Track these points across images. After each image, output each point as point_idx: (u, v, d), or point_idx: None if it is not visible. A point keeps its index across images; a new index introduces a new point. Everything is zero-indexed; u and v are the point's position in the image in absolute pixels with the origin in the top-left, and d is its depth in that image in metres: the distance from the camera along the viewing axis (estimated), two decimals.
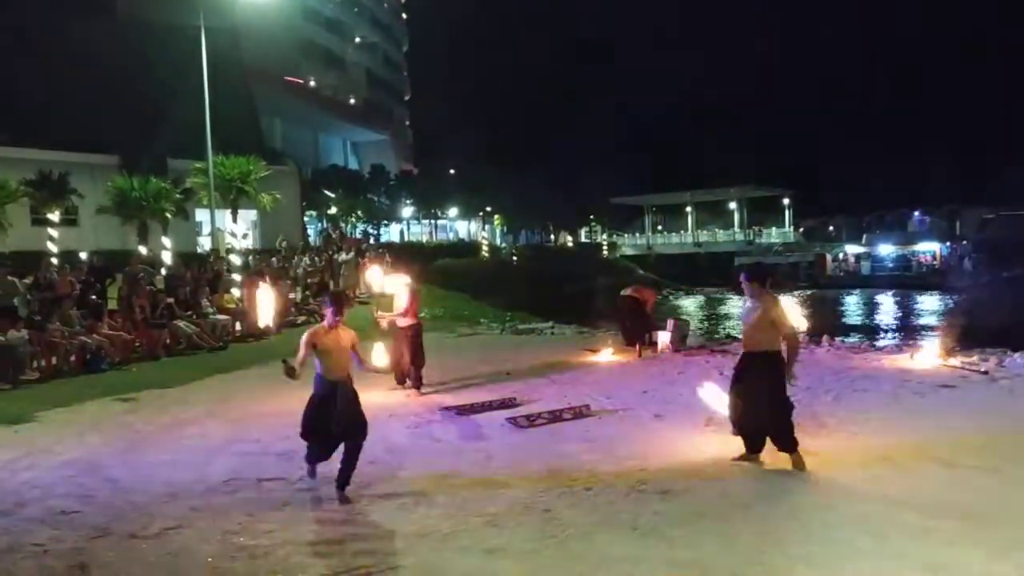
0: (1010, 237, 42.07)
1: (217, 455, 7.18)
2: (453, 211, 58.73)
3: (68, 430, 8.37)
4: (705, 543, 4.78)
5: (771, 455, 6.28)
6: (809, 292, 48.41)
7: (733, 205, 67.70)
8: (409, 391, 9.94)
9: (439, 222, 60.44)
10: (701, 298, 46.98)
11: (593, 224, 75.05)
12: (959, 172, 64.65)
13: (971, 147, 75.55)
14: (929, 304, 40.12)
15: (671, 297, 46.25)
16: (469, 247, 52.29)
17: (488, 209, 60.67)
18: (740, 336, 6.60)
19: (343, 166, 60.16)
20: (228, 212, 26.63)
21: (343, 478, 5.75)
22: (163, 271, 18.41)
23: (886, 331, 28.34)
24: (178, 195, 25.20)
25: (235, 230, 27.29)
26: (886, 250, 57.29)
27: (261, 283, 10.28)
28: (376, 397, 8.84)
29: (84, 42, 31.56)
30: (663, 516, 5.25)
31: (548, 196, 60.24)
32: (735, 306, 32.94)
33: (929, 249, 56.33)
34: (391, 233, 56.14)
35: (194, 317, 14.74)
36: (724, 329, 24.51)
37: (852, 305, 42.56)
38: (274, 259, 23.61)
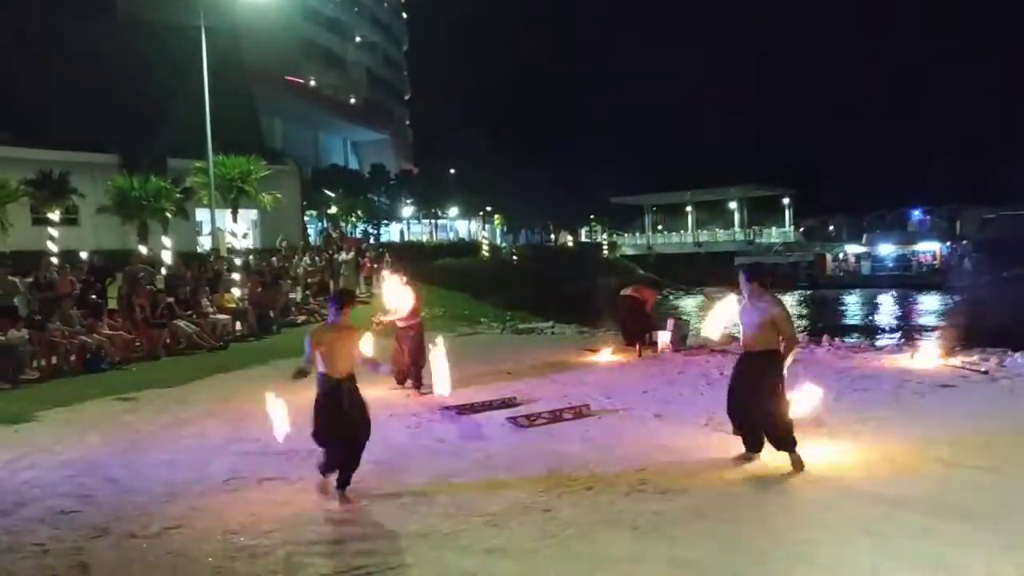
0: (1010, 237, 42.02)
1: (217, 455, 7.18)
2: (453, 211, 58.74)
3: (68, 430, 8.37)
4: (705, 543, 4.78)
5: (771, 455, 6.27)
6: (809, 292, 48.41)
7: (733, 205, 67.70)
8: (409, 391, 9.94)
9: (439, 222, 60.45)
10: (701, 298, 46.95)
11: (593, 224, 75.06)
12: (959, 172, 64.73)
13: (971, 146, 75.70)
14: (929, 304, 40.11)
15: (671, 297, 46.22)
16: (469, 247, 52.30)
17: (488, 209, 60.67)
18: (739, 336, 6.56)
19: (343, 166, 60.20)
20: (228, 212, 26.63)
21: (344, 478, 5.75)
22: (163, 271, 18.41)
23: (886, 331, 28.33)
24: (178, 195, 25.20)
25: (235, 230, 27.29)
26: (886, 250, 57.23)
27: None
28: (376, 397, 8.83)
29: (84, 42, 31.55)
30: (663, 516, 5.25)
31: (548, 195, 60.26)
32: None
33: (929, 249, 56.28)
34: (391, 233, 56.15)
35: (194, 317, 14.74)
36: (723, 329, 24.45)
37: (852, 305, 42.55)
38: (274, 258, 23.64)
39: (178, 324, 14.10)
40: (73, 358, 12.05)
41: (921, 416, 7.89)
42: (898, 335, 22.44)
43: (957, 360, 10.92)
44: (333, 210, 46.79)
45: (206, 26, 21.81)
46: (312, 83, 61.50)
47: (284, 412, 6.01)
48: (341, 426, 5.66)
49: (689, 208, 69.57)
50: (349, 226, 47.12)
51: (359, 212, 48.92)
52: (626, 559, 4.59)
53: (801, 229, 66.19)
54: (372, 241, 43.45)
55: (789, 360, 6.20)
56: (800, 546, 4.68)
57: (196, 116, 22.26)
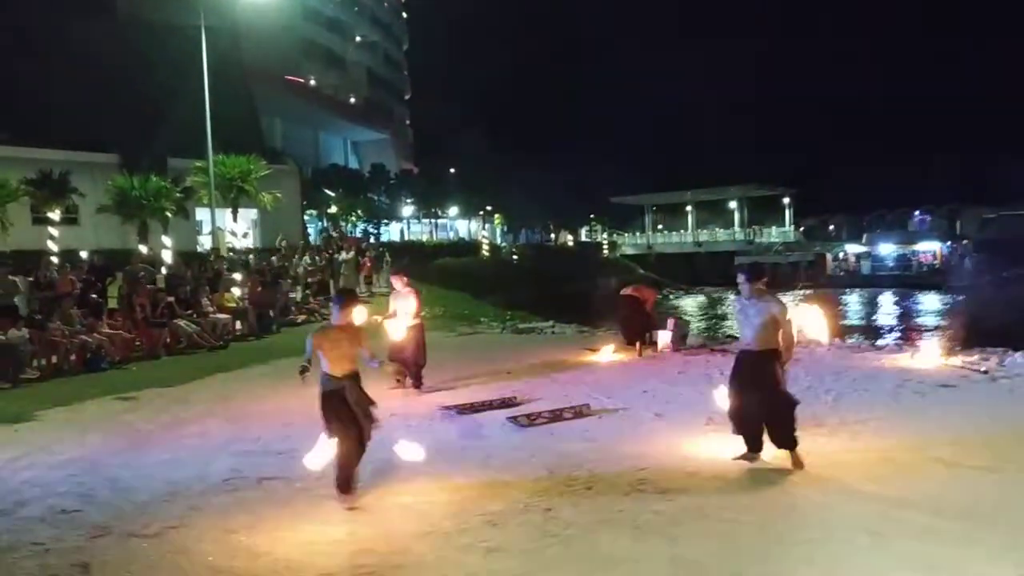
0: (1011, 237, 41.98)
1: (217, 454, 7.18)
2: (453, 210, 58.71)
3: (68, 429, 8.37)
4: (706, 542, 4.78)
5: (771, 455, 6.27)
6: (809, 292, 48.40)
7: (733, 204, 67.64)
8: (409, 390, 9.94)
9: (439, 221, 60.39)
10: (701, 297, 46.97)
11: (593, 223, 75.03)
12: (960, 171, 64.72)
13: (972, 146, 75.67)
14: (930, 304, 40.12)
15: (671, 296, 46.23)
16: (469, 246, 52.25)
17: (488, 208, 60.65)
18: (738, 335, 6.55)
19: (343, 165, 60.17)
20: (228, 211, 26.64)
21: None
22: (163, 270, 18.42)
23: (886, 331, 28.33)
24: (178, 194, 25.21)
25: (235, 229, 27.30)
26: (886, 250, 57.22)
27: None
28: (376, 396, 8.82)
29: (84, 42, 31.55)
30: (664, 515, 5.25)
31: (548, 195, 60.21)
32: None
33: (930, 249, 56.27)
34: (391, 232, 56.11)
35: (194, 316, 14.75)
36: (723, 330, 24.49)
37: (852, 305, 42.54)
38: (274, 258, 23.64)
39: (178, 323, 14.11)
40: (73, 357, 12.05)
41: (921, 416, 7.89)
42: (898, 335, 22.45)
43: (957, 360, 10.93)
44: (333, 210, 46.75)
45: (206, 26, 21.82)
46: (312, 83, 61.47)
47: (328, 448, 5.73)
48: (351, 423, 5.63)
49: (689, 208, 69.54)
50: (349, 226, 47.09)
51: (359, 212, 48.87)
52: (626, 559, 4.59)
53: (801, 229, 66.17)
54: (372, 241, 43.41)
55: (790, 358, 6.21)
56: (800, 546, 4.68)
57: (196, 116, 22.28)
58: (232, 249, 24.75)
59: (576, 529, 5.05)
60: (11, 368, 10.94)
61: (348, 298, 6.10)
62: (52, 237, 22.80)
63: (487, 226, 62.22)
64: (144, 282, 15.13)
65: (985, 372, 10.03)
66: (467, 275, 36.56)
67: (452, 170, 59.99)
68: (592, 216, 73.78)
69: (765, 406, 6.13)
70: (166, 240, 22.60)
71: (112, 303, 14.72)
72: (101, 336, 12.57)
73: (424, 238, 56.14)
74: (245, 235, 31.04)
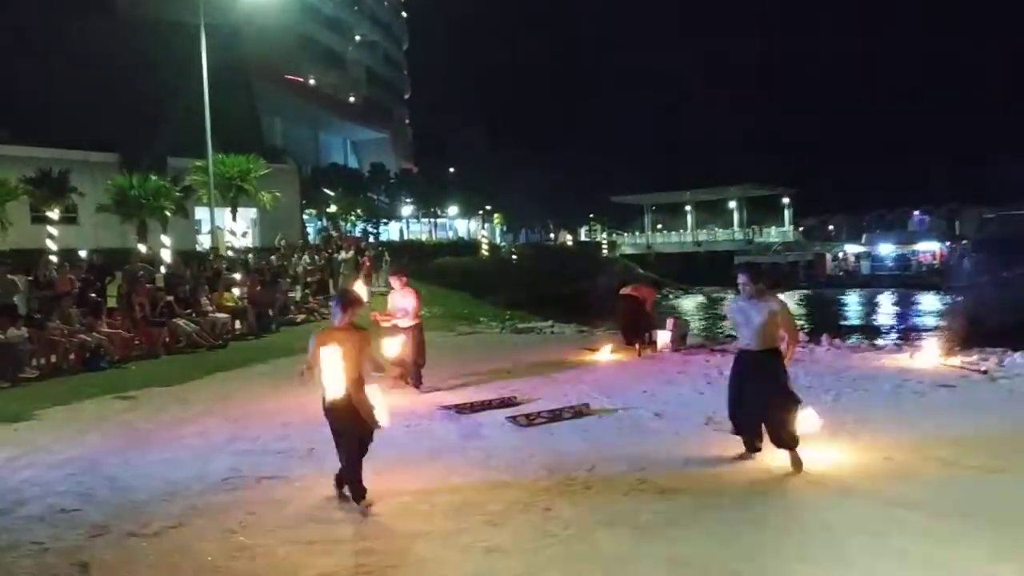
0: (1010, 237, 42.01)
1: (217, 453, 7.17)
2: (453, 210, 58.70)
3: (68, 428, 8.37)
4: (704, 542, 4.78)
5: (771, 454, 6.27)
6: (808, 291, 48.41)
7: (733, 204, 67.69)
8: (408, 390, 9.93)
9: (439, 220, 60.38)
10: (701, 297, 46.97)
11: (593, 223, 75.05)
12: (959, 172, 64.80)
13: (971, 146, 75.75)
14: (929, 304, 40.12)
15: (671, 296, 46.23)
16: (469, 246, 52.23)
17: (488, 208, 60.64)
18: (737, 335, 6.52)
19: (343, 164, 60.12)
20: (228, 210, 26.64)
21: (342, 475, 5.71)
22: (163, 269, 18.41)
23: (886, 331, 28.33)
24: (178, 193, 25.22)
25: (235, 228, 27.30)
26: (886, 250, 57.25)
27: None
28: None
29: (84, 40, 31.58)
30: (663, 515, 5.24)
31: (548, 194, 60.26)
32: None
33: (929, 249, 56.29)
34: (391, 232, 56.10)
35: (194, 315, 14.74)
36: (722, 329, 24.51)
37: (852, 305, 42.57)
38: (273, 257, 23.64)
39: (177, 323, 14.10)
40: (72, 357, 12.05)
41: (920, 416, 7.89)
42: (897, 335, 22.45)
43: (956, 360, 10.93)
44: (332, 209, 46.73)
45: (206, 24, 21.81)
46: (312, 82, 61.42)
47: (383, 403, 5.72)
48: (355, 426, 5.53)
49: (689, 207, 69.59)
50: (348, 225, 47.07)
51: (359, 211, 48.86)
52: (626, 558, 4.59)
53: (801, 229, 66.20)
54: (371, 240, 43.39)
55: (791, 355, 6.25)
56: (799, 545, 4.68)
57: (196, 115, 22.29)
58: (231, 248, 24.74)
59: (575, 529, 5.05)
60: (10, 367, 10.93)
61: (348, 300, 5.86)
62: (51, 236, 22.81)
63: (486, 225, 62.22)
64: (143, 281, 15.12)
65: (984, 372, 10.03)
66: (466, 275, 36.52)
67: (452, 169, 59.98)
68: (591, 216, 73.83)
69: (768, 405, 6.12)
70: (165, 239, 22.60)
71: (111, 302, 14.70)
72: (100, 335, 12.56)
73: (423, 238, 56.13)
74: (244, 234, 31.06)
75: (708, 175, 66.76)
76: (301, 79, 59.09)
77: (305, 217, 43.34)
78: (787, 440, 6.11)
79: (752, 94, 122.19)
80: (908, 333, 21.82)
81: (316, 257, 25.19)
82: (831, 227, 68.07)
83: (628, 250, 69.72)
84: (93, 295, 14.38)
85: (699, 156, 76.97)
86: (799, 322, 15.72)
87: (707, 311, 37.42)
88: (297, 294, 20.17)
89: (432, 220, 59.58)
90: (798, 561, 4.46)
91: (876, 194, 65.11)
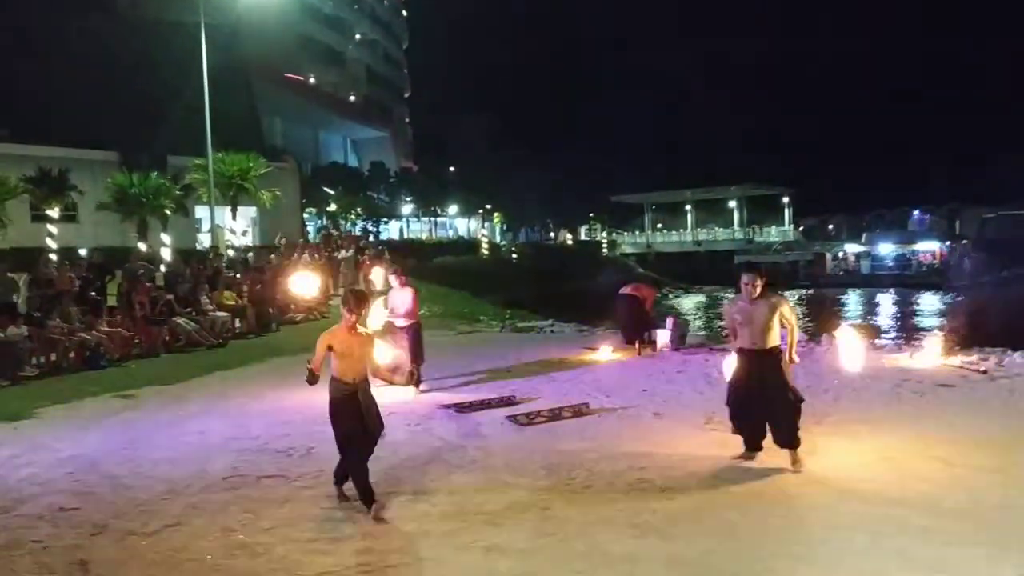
0: (1010, 236, 42.05)
1: (216, 452, 7.17)
2: (453, 208, 58.70)
3: (67, 427, 8.37)
4: (704, 541, 4.78)
5: (771, 454, 6.27)
6: (808, 291, 48.40)
7: (733, 203, 67.73)
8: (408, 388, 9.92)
9: (439, 219, 60.38)
10: (701, 296, 46.99)
11: (593, 222, 75.06)
12: (959, 172, 64.80)
13: (971, 146, 75.75)
14: (929, 303, 40.13)
15: (670, 295, 46.24)
16: (469, 244, 52.23)
17: (488, 207, 60.64)
18: (737, 335, 6.47)
19: (343, 163, 60.07)
20: (228, 209, 26.62)
21: (342, 474, 5.69)
22: (163, 268, 18.40)
23: (886, 330, 28.34)
24: (178, 192, 25.20)
25: (235, 227, 27.28)
26: (886, 249, 57.24)
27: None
28: (375, 394, 8.82)
29: (84, 39, 31.57)
30: (662, 514, 5.25)
31: (548, 193, 60.22)
32: None
33: (929, 248, 56.29)
34: (391, 230, 56.10)
35: (193, 314, 14.73)
36: (722, 329, 24.49)
37: (852, 304, 42.56)
38: (272, 256, 23.61)
39: (177, 321, 14.09)
40: (72, 355, 12.04)
41: (920, 416, 7.89)
42: (897, 335, 22.45)
43: (956, 360, 10.93)
44: (332, 208, 46.72)
45: (206, 23, 21.79)
46: (312, 81, 61.36)
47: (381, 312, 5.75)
48: (363, 429, 5.47)
49: (689, 207, 69.61)
50: (348, 224, 47.05)
51: (359, 210, 48.82)
52: (625, 557, 4.59)
53: (800, 228, 66.23)
54: (371, 239, 43.38)
55: (795, 348, 6.33)
56: (799, 545, 4.68)
57: (196, 113, 22.28)
58: (231, 246, 24.73)
59: (575, 528, 5.05)
60: (10, 366, 10.92)
61: (357, 299, 5.74)
62: (51, 234, 22.81)
63: (487, 224, 62.20)
64: (143, 280, 15.12)
65: (984, 372, 10.03)
66: (466, 273, 36.51)
67: (452, 168, 59.95)
68: (592, 215, 73.83)
69: (771, 404, 6.11)
70: (165, 238, 22.60)
71: (111, 301, 14.69)
72: (100, 334, 12.56)
73: (423, 236, 56.12)
74: (244, 233, 31.04)
75: (708, 175, 66.81)
76: (301, 78, 59.03)
77: (305, 216, 43.32)
78: (790, 439, 6.10)
79: (752, 94, 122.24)
80: (908, 333, 21.84)
81: (316, 256, 25.15)
82: (831, 227, 68.09)
83: (628, 249, 69.78)
84: (93, 294, 14.36)
85: (699, 156, 77.04)
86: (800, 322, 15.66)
87: (707, 310, 37.43)
88: None
89: (432, 219, 59.58)
90: (798, 561, 4.46)
91: (876, 194, 65.18)
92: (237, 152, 27.06)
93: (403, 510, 5.48)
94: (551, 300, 28.01)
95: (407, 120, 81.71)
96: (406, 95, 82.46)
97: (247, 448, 7.29)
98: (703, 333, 17.81)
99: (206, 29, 21.75)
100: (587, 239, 73.03)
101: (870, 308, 40.20)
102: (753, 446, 6.37)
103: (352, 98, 67.42)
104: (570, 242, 69.64)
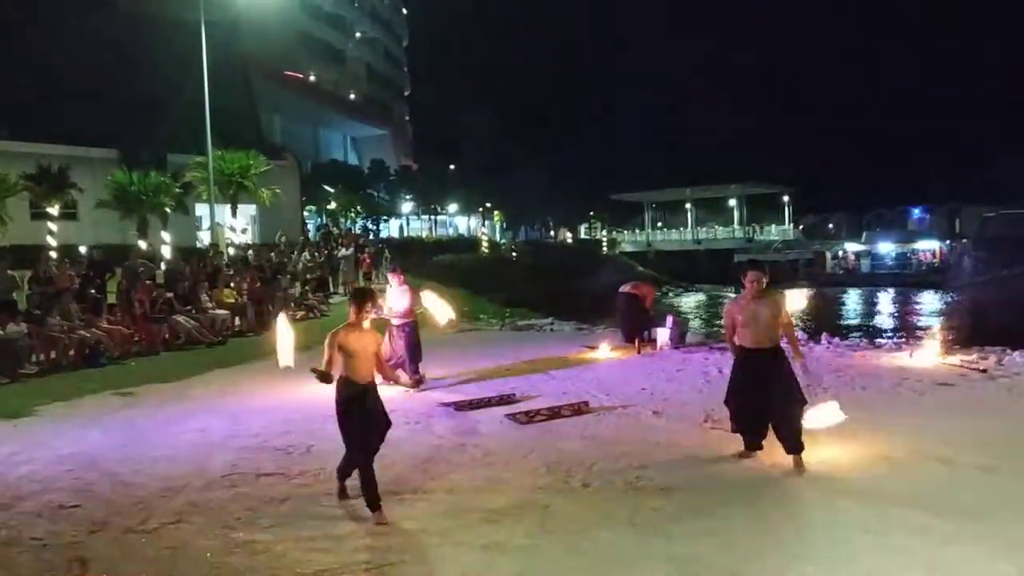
0: (1010, 235, 41.99)
1: (216, 450, 7.17)
2: (453, 207, 58.69)
3: (67, 424, 8.37)
4: (703, 540, 4.78)
5: (770, 453, 6.27)
6: (808, 290, 48.38)
7: (733, 202, 67.70)
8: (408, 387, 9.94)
9: (439, 218, 60.38)
10: (701, 295, 46.99)
11: (593, 220, 75.04)
12: (959, 172, 64.75)
13: (971, 146, 75.71)
14: (929, 302, 40.12)
15: (670, 294, 46.25)
16: (469, 243, 52.25)
17: (488, 205, 60.64)
18: (738, 334, 6.44)
19: (343, 161, 60.11)
20: (228, 207, 26.61)
21: (346, 470, 5.63)
22: (162, 266, 18.39)
23: (885, 330, 28.33)
24: (178, 189, 25.21)
25: (235, 225, 27.28)
26: (886, 248, 57.21)
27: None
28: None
29: (84, 36, 31.50)
30: (661, 512, 5.25)
31: (548, 192, 60.22)
32: None
33: (929, 247, 56.26)
34: (391, 228, 56.11)
35: (193, 312, 14.73)
36: (722, 328, 24.47)
37: (851, 303, 42.54)
38: (272, 254, 23.62)
39: (177, 319, 14.10)
40: (72, 353, 12.05)
41: (920, 415, 7.90)
42: (897, 334, 22.46)
43: (956, 359, 10.94)
44: (332, 206, 46.72)
45: (206, 20, 21.77)
46: (312, 78, 61.33)
47: (291, 341, 5.65)
48: (371, 429, 5.42)
49: (689, 205, 69.57)
50: (348, 222, 47.05)
51: (358, 208, 48.83)
52: (625, 556, 4.59)
53: (800, 227, 66.18)
54: (371, 237, 43.38)
55: (799, 347, 6.47)
56: (799, 544, 4.68)
57: (196, 111, 22.25)
58: (232, 244, 24.73)
59: (574, 526, 5.05)
60: (10, 363, 10.92)
61: (366, 298, 5.67)
62: (51, 232, 22.79)
63: (487, 223, 62.21)
64: (143, 278, 15.12)
65: (984, 371, 10.03)
66: (466, 272, 36.51)
67: (452, 167, 59.94)
68: (591, 213, 73.83)
69: (776, 405, 6.09)
70: (165, 236, 22.59)
71: (111, 298, 14.70)
72: (100, 331, 12.56)
73: (423, 234, 56.14)
74: (244, 231, 31.04)
75: (708, 173, 66.80)
76: (301, 75, 58.99)
77: (305, 214, 43.32)
78: (794, 439, 6.09)
79: (752, 94, 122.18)
80: (908, 332, 21.85)
81: (316, 254, 25.17)
82: (831, 225, 67.97)
83: (628, 248, 69.74)
84: (93, 291, 14.37)
85: (699, 155, 77.01)
86: (799, 321, 15.70)
87: (707, 309, 37.43)
88: (297, 291, 20.15)
89: (432, 217, 59.58)
90: (798, 559, 4.46)
91: (876, 193, 65.08)
92: (237, 150, 27.07)
93: (402, 508, 5.48)
94: (551, 298, 27.99)
95: (407, 118, 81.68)
96: (406, 93, 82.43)
97: (247, 446, 7.29)
98: (703, 331, 17.83)
99: (206, 26, 21.73)
100: (587, 237, 73.04)
101: (870, 307, 40.17)
102: (753, 445, 6.37)
103: (352, 96, 67.38)
104: (570, 240, 69.64)
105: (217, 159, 24.53)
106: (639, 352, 12.63)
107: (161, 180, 24.43)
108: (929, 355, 11.21)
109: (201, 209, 28.68)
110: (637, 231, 73.35)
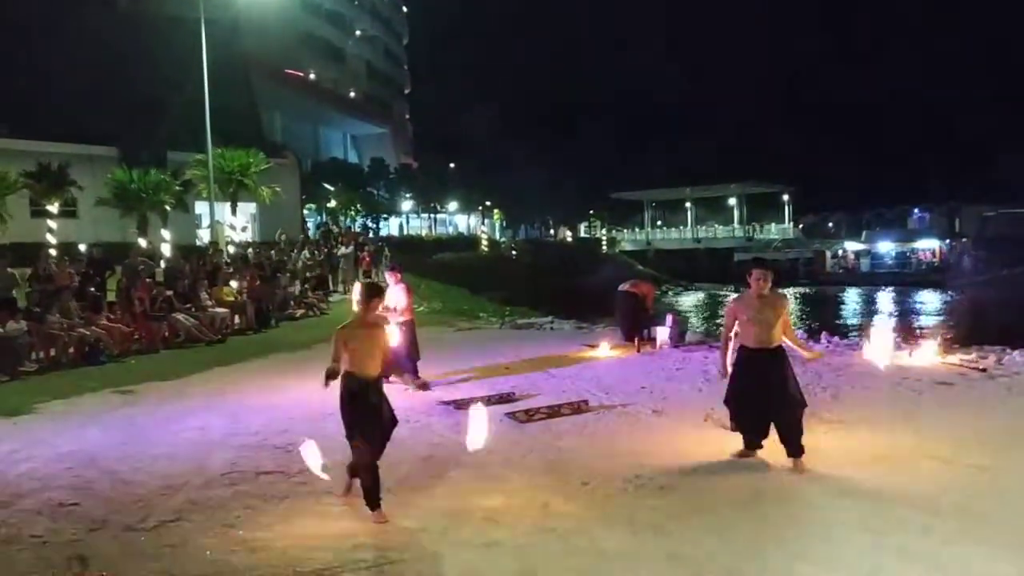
0: (1010, 235, 42.01)
1: (215, 448, 7.17)
2: (453, 205, 58.71)
3: (67, 422, 8.37)
4: (703, 539, 4.78)
5: (770, 452, 6.27)
6: (808, 289, 48.40)
7: (733, 201, 67.69)
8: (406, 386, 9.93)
9: (439, 216, 60.41)
10: (700, 294, 46.99)
11: (593, 219, 75.04)
12: (959, 171, 64.73)
13: (971, 144, 75.64)
14: (928, 301, 40.13)
15: (670, 293, 46.25)
16: (468, 241, 52.28)
17: (487, 203, 60.64)
18: (739, 333, 6.43)
19: (343, 159, 60.12)
20: (227, 205, 26.62)
21: (355, 468, 5.60)
22: (162, 264, 18.40)
23: (885, 329, 28.29)
24: (177, 187, 25.22)
25: (234, 223, 27.28)
26: (885, 247, 57.22)
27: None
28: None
29: (84, 34, 31.50)
30: (661, 511, 5.25)
31: (548, 190, 60.24)
32: None
33: (929, 246, 56.27)
34: (390, 227, 56.13)
35: (193, 310, 14.73)
36: (722, 327, 24.45)
37: (851, 302, 42.55)
38: (272, 252, 23.63)
39: (177, 317, 14.09)
40: (72, 350, 12.05)
41: (919, 414, 7.89)
42: (896, 333, 22.45)
43: (955, 358, 10.93)
44: (332, 204, 46.73)
45: (206, 18, 21.77)
46: (312, 76, 61.33)
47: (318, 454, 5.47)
48: (377, 425, 5.38)
49: (689, 204, 69.56)
50: (348, 220, 47.06)
51: (358, 206, 48.85)
52: (623, 554, 4.59)
53: (800, 226, 66.14)
54: (371, 235, 43.39)
55: (799, 343, 6.50)
56: (798, 543, 4.68)
57: (196, 109, 22.25)
58: (231, 242, 24.72)
59: (573, 525, 5.05)
60: (9, 361, 10.92)
61: (373, 293, 5.68)
62: (51, 230, 22.81)
63: (486, 221, 62.22)
64: (143, 276, 15.12)
65: (983, 370, 10.03)
66: (466, 270, 36.55)
67: (452, 165, 59.95)
68: (591, 212, 73.84)
69: (778, 405, 6.08)
70: (165, 234, 22.61)
71: (111, 296, 14.71)
72: (99, 329, 12.56)
73: (423, 233, 56.16)
74: (244, 229, 31.05)
75: (708, 171, 66.77)
76: (301, 74, 59.01)
77: (305, 212, 43.34)
78: (795, 440, 6.08)
79: (752, 94, 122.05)
80: (907, 331, 21.86)
81: (316, 252, 25.17)
82: (831, 224, 67.92)
83: (628, 246, 69.75)
84: (92, 289, 14.37)
85: (699, 155, 76.87)
86: (798, 320, 15.68)
87: (706, 308, 37.43)
88: (296, 289, 20.16)
89: (432, 215, 59.61)
90: (797, 559, 4.46)
91: (876, 192, 65.06)
92: (237, 148, 27.07)
93: (402, 506, 5.47)
94: (550, 297, 27.99)
95: (407, 116, 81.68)
96: (406, 91, 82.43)
97: (246, 444, 7.29)
98: (702, 330, 17.82)
99: (206, 25, 21.73)
100: (587, 236, 73.07)
101: (869, 307, 40.17)
102: (753, 444, 6.36)
103: (352, 94, 67.39)
104: (570, 239, 69.66)
105: (217, 157, 24.54)
106: (639, 351, 12.62)
107: (161, 178, 24.45)
108: (928, 354, 11.19)
109: (201, 207, 28.70)
110: (637, 230, 73.34)
